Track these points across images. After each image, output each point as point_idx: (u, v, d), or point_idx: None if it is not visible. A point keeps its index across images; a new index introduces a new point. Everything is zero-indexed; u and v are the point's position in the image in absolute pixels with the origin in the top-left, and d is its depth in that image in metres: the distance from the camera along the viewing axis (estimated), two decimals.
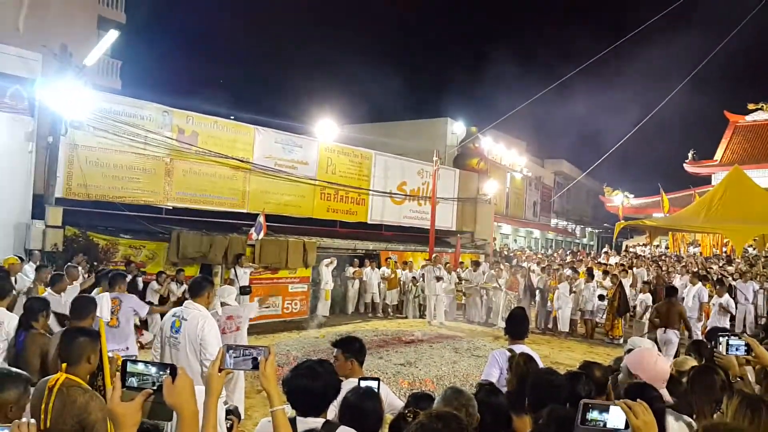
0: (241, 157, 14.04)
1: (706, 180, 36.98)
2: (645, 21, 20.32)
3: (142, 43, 38.12)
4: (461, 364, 9.53)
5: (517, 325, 4.47)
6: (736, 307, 12.58)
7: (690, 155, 38.87)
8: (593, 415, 1.71)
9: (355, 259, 15.67)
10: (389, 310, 15.46)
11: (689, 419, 2.58)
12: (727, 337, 3.20)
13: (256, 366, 1.98)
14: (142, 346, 9.49)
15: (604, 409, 1.71)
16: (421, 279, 15.11)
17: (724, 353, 3.16)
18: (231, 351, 1.98)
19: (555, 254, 23.93)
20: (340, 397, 2.68)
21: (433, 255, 16.36)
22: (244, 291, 12.11)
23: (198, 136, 13.26)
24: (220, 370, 1.94)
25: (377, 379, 2.94)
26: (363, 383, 2.82)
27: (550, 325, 13.97)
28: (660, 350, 8.61)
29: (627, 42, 20.74)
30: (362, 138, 20.60)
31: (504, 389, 3.24)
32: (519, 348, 4.13)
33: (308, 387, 2.42)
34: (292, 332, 12.43)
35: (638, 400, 1.75)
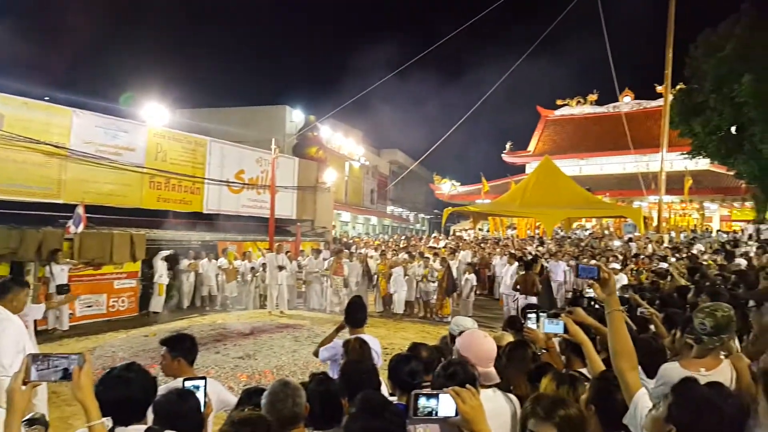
0: (56, 143, 12.72)
1: (521, 169, 40.90)
2: (470, 19, 21.89)
3: None
4: (301, 352, 9.65)
5: (354, 314, 4.53)
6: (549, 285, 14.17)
7: (507, 146, 42.72)
8: (423, 402, 1.72)
9: (191, 251, 14.99)
10: (228, 302, 15.05)
11: (510, 395, 2.85)
12: (543, 315, 3.51)
13: (68, 376, 1.84)
14: None
15: (434, 397, 1.74)
16: (262, 269, 14.93)
17: (541, 331, 3.52)
18: (37, 361, 1.79)
19: (391, 240, 24.96)
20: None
21: (275, 244, 16.24)
22: (61, 290, 11.06)
23: (4, 119, 11.77)
24: (25, 383, 1.76)
25: (203, 377, 2.86)
26: (188, 383, 2.72)
27: (386, 308, 14.57)
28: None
29: (455, 40, 22.20)
30: (197, 124, 19.70)
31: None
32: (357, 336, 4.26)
33: (121, 397, 2.26)
34: (119, 332, 11.61)
35: (467, 385, 1.83)
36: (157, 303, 13.67)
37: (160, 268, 13.77)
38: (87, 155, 13.43)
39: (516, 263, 13.84)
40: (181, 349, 3.35)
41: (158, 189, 15.57)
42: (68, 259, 11.50)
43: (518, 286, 12.07)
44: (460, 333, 3.21)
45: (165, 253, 13.98)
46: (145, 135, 15.13)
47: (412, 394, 1.75)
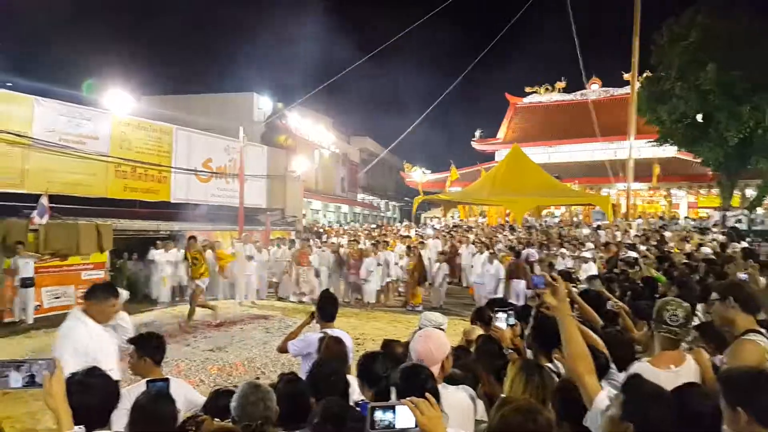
0: (18, 131, 12.37)
1: (491, 156, 41.12)
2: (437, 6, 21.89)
3: None
4: (272, 344, 9.54)
5: (325, 308, 4.47)
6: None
7: (477, 134, 42.88)
8: (380, 415, 1.68)
9: (158, 241, 14.75)
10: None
11: (469, 391, 2.86)
12: (503, 314, 3.50)
13: (34, 383, 1.76)
14: None
15: (391, 409, 1.70)
16: None
17: (503, 327, 3.52)
18: (2, 367, 1.75)
19: (361, 228, 24.95)
20: (129, 402, 2.56)
21: (244, 233, 16.08)
22: (25, 283, 10.84)
23: None
24: None
25: (167, 379, 2.83)
26: (151, 385, 2.70)
27: (358, 297, 14.54)
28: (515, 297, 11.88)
29: (424, 28, 22.16)
30: (162, 112, 19.27)
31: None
32: (331, 331, 4.22)
33: (83, 403, 2.19)
34: None
35: (427, 394, 1.78)
36: (163, 295, 14.10)
37: (160, 259, 13.94)
38: (50, 144, 13.12)
39: (487, 252, 13.95)
40: (148, 348, 3.31)
41: (124, 178, 15.29)
42: (32, 252, 11.20)
43: (510, 272, 12.76)
44: None
45: (162, 244, 14.24)
46: (109, 123, 14.81)
47: (369, 407, 1.71)
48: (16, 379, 1.75)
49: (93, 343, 3.74)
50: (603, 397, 2.23)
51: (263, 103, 25.64)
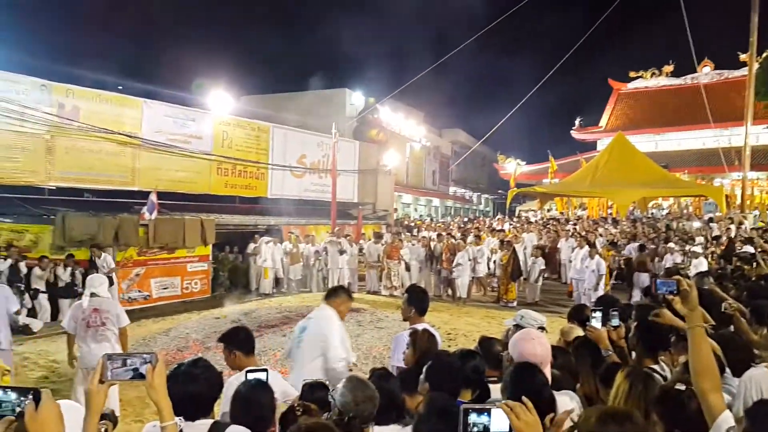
0: (129, 132, 13.26)
1: (592, 146, 39.25)
2: None
3: (18, 11, 34.21)
4: (364, 336, 9.70)
5: (416, 303, 4.38)
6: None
7: (577, 122, 41.06)
8: (474, 418, 1.61)
9: (256, 235, 15.36)
10: (293, 285, 15.35)
11: (571, 394, 2.71)
12: (600, 313, 3.28)
13: (139, 375, 1.84)
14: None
15: (485, 412, 1.62)
16: (324, 252, 15.09)
17: (598, 327, 3.30)
18: (112, 361, 1.83)
19: (452, 222, 24.66)
20: (230, 392, 2.63)
21: (336, 228, 16.38)
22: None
23: (80, 111, 12.36)
24: (101, 383, 1.76)
25: (265, 369, 2.88)
26: (250, 375, 2.77)
27: (449, 292, 14.39)
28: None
29: (518, 14, 21.47)
30: (259, 111, 20.04)
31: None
32: (421, 326, 4.14)
33: (188, 393, 2.30)
34: (192, 313, 12.08)
35: (523, 398, 1.69)
36: (265, 286, 14.54)
37: (265, 251, 14.41)
38: (158, 144, 13.94)
39: (587, 246, 13.33)
40: (237, 342, 3.40)
41: (225, 175, 16.01)
42: (107, 254, 11.56)
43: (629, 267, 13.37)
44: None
45: (268, 238, 14.65)
46: (211, 123, 15.56)
47: (462, 409, 1.62)
48: (126, 371, 1.82)
49: (346, 337, 4.31)
50: (727, 417, 2.03)
51: (355, 99, 26.01)
